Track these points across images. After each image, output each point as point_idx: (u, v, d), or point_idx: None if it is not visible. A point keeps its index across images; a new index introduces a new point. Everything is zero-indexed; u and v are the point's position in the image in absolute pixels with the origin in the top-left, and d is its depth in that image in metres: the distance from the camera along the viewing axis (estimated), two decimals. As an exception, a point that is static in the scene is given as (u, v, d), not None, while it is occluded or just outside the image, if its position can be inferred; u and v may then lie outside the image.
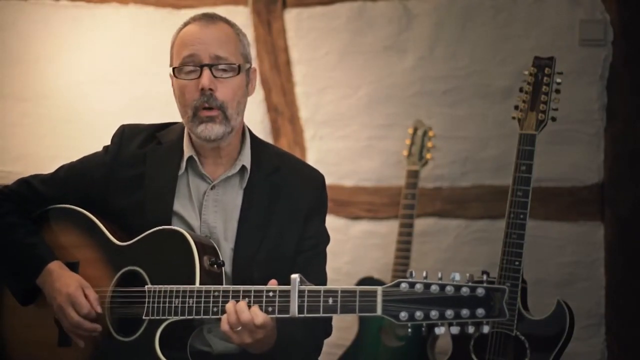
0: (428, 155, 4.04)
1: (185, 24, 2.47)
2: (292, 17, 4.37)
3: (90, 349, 2.40)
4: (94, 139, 2.72)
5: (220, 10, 4.84)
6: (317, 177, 2.56)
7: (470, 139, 4.15)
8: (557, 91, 3.12)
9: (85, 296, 2.38)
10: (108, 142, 2.56)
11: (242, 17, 4.33)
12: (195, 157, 2.47)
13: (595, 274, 3.98)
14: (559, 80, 3.12)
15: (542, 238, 4.01)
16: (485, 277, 2.06)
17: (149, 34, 4.47)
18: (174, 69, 2.43)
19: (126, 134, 2.54)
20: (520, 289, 3.04)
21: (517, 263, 3.03)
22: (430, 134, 4.07)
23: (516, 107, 3.14)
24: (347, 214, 4.32)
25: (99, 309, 2.38)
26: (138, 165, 2.49)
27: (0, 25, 4.53)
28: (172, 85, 2.47)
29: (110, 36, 4.50)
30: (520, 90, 3.15)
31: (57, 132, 4.48)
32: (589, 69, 3.97)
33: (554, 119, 3.12)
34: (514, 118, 3.14)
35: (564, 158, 4.01)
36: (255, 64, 3.94)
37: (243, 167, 2.48)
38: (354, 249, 4.29)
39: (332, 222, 3.21)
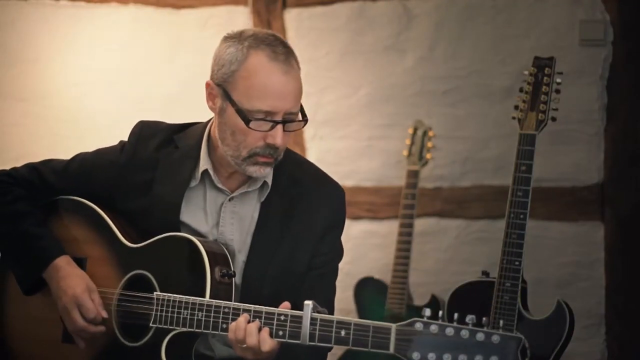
0: (428, 155, 4.04)
1: (253, 47, 2.26)
2: (292, 17, 4.36)
3: (95, 349, 2.37)
4: (93, 139, 2.71)
5: (220, 10, 4.82)
6: (337, 193, 2.50)
7: (470, 139, 4.15)
8: (557, 91, 3.11)
9: (92, 300, 2.34)
10: (108, 143, 2.50)
11: (242, 17, 4.33)
12: (211, 171, 2.37)
13: (595, 274, 3.97)
14: (559, 80, 3.12)
15: (542, 238, 4.00)
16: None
17: (149, 34, 4.46)
18: (241, 111, 2.24)
19: (144, 134, 2.44)
20: (520, 289, 3.04)
21: (517, 263, 3.02)
22: (430, 134, 4.07)
23: (516, 107, 3.14)
24: (347, 214, 4.30)
25: (105, 314, 2.34)
26: (150, 169, 2.39)
27: (0, 25, 4.53)
28: (218, 103, 2.30)
29: (110, 36, 4.49)
30: (520, 90, 3.15)
31: (56, 132, 4.47)
32: (589, 69, 3.96)
33: (554, 119, 3.11)
34: (514, 118, 3.13)
35: (564, 158, 4.01)
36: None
37: (264, 183, 2.39)
38: (354, 249, 4.28)
39: (332, 222, 3.20)
